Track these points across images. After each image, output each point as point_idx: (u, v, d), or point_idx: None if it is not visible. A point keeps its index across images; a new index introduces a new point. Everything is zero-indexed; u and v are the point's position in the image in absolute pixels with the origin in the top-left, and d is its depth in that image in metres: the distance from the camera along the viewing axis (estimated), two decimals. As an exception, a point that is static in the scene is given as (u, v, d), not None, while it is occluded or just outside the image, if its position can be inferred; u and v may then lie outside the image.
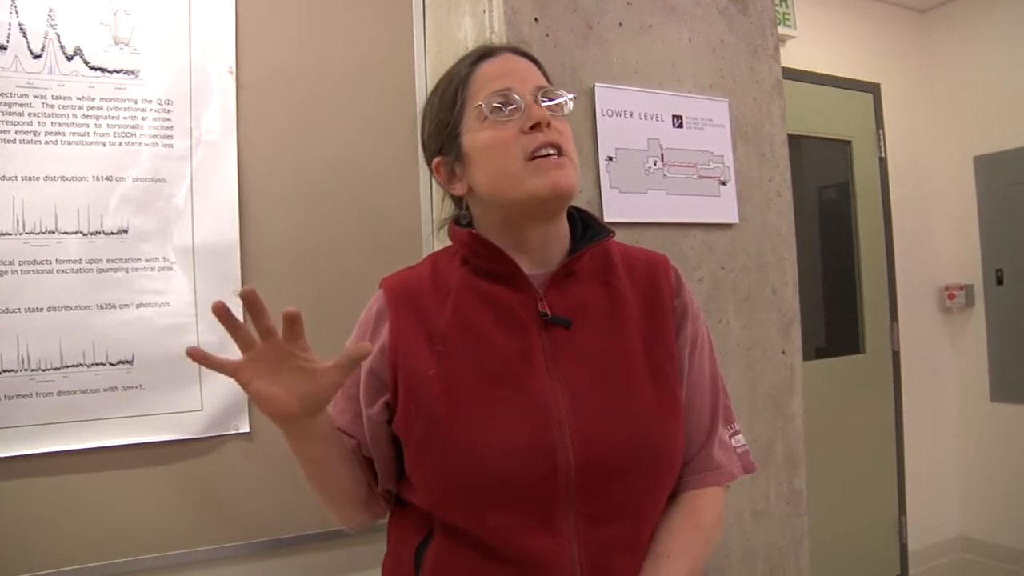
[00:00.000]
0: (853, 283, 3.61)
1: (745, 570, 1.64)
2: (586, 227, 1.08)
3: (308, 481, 1.01)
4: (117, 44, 1.51)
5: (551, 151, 0.97)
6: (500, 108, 0.98)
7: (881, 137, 3.72)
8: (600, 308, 1.03)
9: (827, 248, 3.65)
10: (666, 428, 1.00)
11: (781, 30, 3.31)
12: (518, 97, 0.98)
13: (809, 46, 3.48)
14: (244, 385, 0.87)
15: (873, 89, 3.73)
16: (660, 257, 1.12)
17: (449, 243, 1.10)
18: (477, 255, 1.02)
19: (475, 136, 1.00)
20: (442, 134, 1.05)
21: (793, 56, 3.30)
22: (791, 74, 3.04)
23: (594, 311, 1.02)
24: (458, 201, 1.11)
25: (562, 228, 1.05)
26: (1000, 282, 3.70)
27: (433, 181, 1.72)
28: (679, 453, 1.02)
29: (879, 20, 3.83)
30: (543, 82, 1.04)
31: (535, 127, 0.97)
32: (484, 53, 1.06)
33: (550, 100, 1.01)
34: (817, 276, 3.57)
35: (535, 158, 0.96)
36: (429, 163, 1.10)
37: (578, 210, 1.09)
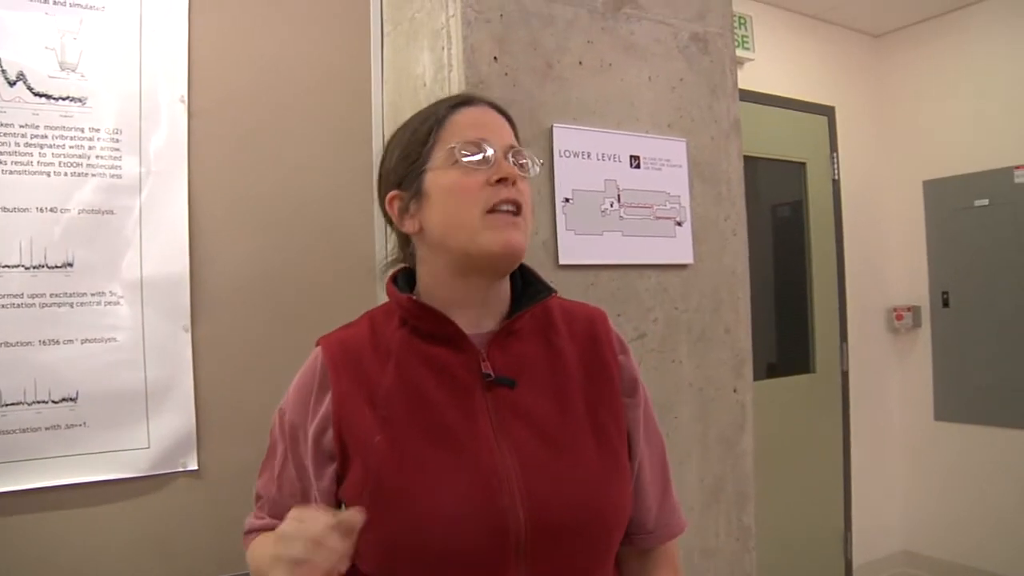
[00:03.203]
0: (805, 304, 3.69)
1: (694, 605, 1.66)
2: (526, 284, 1.08)
3: None
4: (64, 70, 1.47)
5: (511, 207, 0.98)
6: (472, 155, 0.98)
7: (835, 160, 3.79)
8: (542, 367, 1.03)
9: (779, 266, 3.71)
10: (611, 489, 1.01)
11: (739, 52, 3.35)
12: (491, 150, 0.99)
13: (767, 69, 3.54)
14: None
15: (828, 112, 3.81)
16: (598, 313, 1.13)
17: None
18: (418, 318, 1.02)
19: (441, 175, 0.99)
20: (406, 168, 1.03)
21: (751, 79, 3.34)
22: (748, 96, 3.08)
23: (536, 370, 1.03)
24: (404, 240, 1.10)
25: (504, 285, 1.06)
26: (946, 304, 3.80)
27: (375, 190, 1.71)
28: (625, 513, 1.03)
29: (835, 44, 3.90)
30: (515, 142, 1.04)
31: (501, 181, 0.97)
32: (464, 100, 1.06)
33: (519, 160, 1.02)
34: (769, 294, 3.63)
35: (493, 211, 0.97)
36: (382, 197, 1.08)
37: (520, 266, 1.08)
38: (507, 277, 1.06)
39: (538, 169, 1.05)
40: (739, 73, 1.93)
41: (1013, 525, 3.48)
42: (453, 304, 1.01)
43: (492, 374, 0.99)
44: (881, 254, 3.98)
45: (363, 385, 0.99)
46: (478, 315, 1.03)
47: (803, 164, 3.71)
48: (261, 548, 1.02)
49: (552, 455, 0.98)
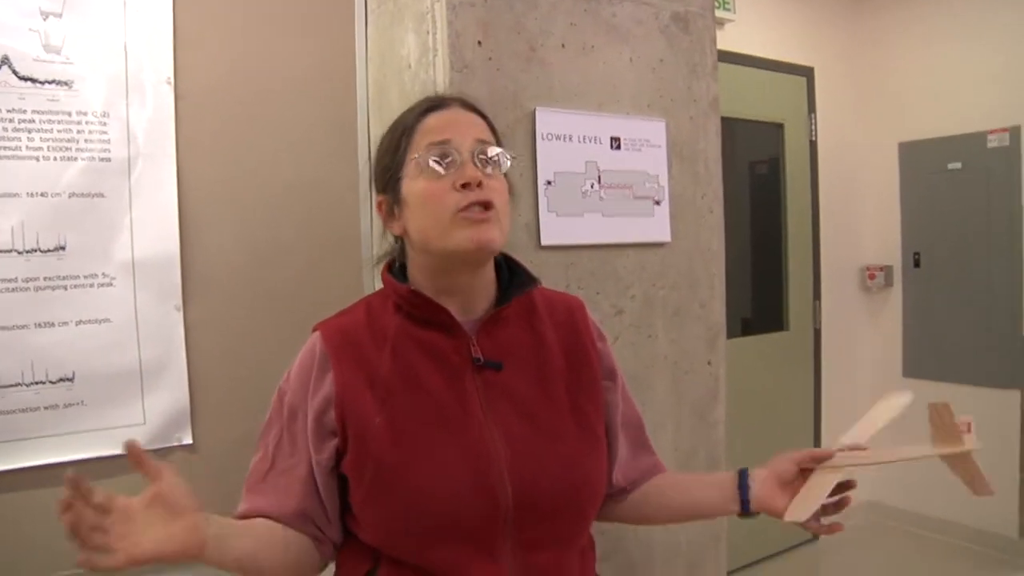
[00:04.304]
0: (780, 263, 3.77)
1: (667, 566, 1.76)
2: (512, 274, 1.15)
3: None
4: (48, 53, 1.47)
5: (480, 208, 1.03)
6: (437, 163, 1.03)
7: (813, 120, 3.82)
8: (526, 352, 1.11)
9: (755, 226, 3.78)
10: (588, 466, 1.11)
11: (720, 14, 3.36)
12: (455, 152, 1.03)
13: (746, 29, 3.54)
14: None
15: (807, 73, 3.83)
16: (576, 302, 1.22)
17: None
18: (413, 306, 1.08)
19: (412, 184, 1.05)
20: (385, 176, 1.10)
21: (730, 39, 3.35)
22: (727, 57, 3.10)
23: (521, 355, 1.10)
24: (395, 237, 1.17)
25: (488, 275, 1.12)
26: (917, 264, 3.90)
27: (373, 192, 1.75)
28: (601, 487, 1.14)
29: (815, 4, 3.90)
30: (485, 135, 1.09)
31: (466, 185, 1.02)
32: (433, 105, 1.10)
33: (486, 156, 1.06)
34: (745, 253, 3.71)
35: (464, 210, 1.02)
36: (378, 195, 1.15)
37: (505, 257, 1.16)
38: (491, 267, 1.12)
39: (509, 163, 1.09)
40: (719, 34, 1.95)
41: (973, 476, 3.63)
42: (441, 294, 1.08)
43: (481, 358, 1.06)
44: (855, 214, 4.06)
45: (362, 368, 1.06)
46: (465, 304, 1.10)
47: (781, 125, 3.75)
48: None
49: (535, 434, 1.06)
